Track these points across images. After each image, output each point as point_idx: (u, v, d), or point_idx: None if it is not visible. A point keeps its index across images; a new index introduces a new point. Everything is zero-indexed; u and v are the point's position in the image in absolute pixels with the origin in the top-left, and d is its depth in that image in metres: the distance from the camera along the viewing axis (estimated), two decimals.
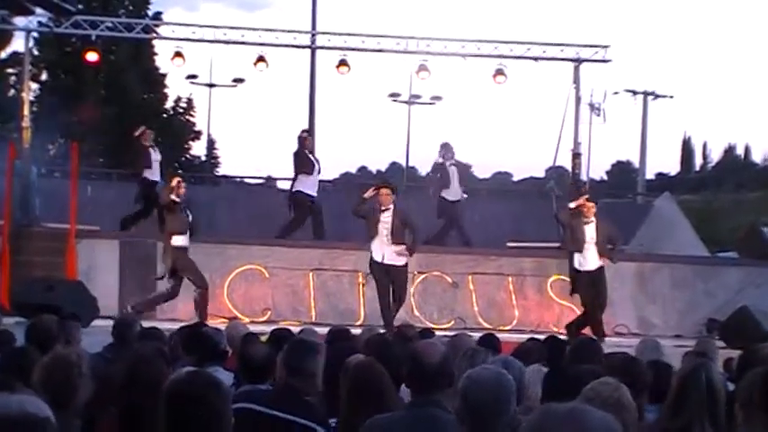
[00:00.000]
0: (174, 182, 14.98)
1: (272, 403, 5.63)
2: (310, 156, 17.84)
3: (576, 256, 15.04)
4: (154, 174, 17.94)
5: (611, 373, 5.89)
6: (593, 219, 15.02)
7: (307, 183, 17.62)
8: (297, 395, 5.78)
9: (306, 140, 18.03)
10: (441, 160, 18.39)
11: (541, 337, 9.05)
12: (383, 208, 14.73)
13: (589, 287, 14.96)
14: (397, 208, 14.83)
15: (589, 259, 14.95)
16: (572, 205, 15.37)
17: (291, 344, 6.21)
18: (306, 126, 29.27)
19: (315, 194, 17.81)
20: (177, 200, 14.81)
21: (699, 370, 5.20)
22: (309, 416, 5.60)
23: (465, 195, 18.44)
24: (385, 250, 14.70)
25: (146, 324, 9.44)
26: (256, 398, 5.73)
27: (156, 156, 18.24)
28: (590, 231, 14.96)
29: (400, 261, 14.80)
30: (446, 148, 18.47)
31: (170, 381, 4.02)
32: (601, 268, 15.00)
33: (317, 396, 6.08)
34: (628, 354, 7.17)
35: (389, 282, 14.79)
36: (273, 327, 11.19)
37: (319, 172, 17.97)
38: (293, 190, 17.71)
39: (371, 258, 14.83)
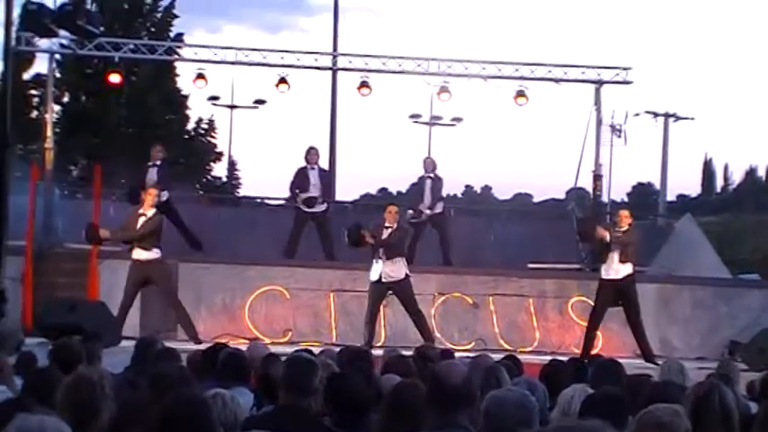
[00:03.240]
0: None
1: (281, 426, 5.59)
2: (307, 171, 17.90)
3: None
4: None
5: (633, 395, 5.89)
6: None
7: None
8: (305, 414, 5.77)
9: (307, 155, 18.10)
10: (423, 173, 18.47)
11: (563, 358, 9.04)
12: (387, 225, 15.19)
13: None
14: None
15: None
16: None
17: (290, 362, 6.17)
18: (327, 147, 29.45)
19: (314, 210, 17.90)
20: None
21: (712, 392, 5.18)
22: None
23: (436, 210, 18.27)
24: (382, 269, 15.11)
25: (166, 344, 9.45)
26: (265, 422, 5.68)
27: (150, 175, 17.86)
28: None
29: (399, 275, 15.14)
30: (424, 163, 18.60)
31: (160, 404, 4.07)
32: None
33: (321, 415, 6.07)
34: (649, 376, 7.16)
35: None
36: (294, 347, 11.22)
37: (321, 187, 17.99)
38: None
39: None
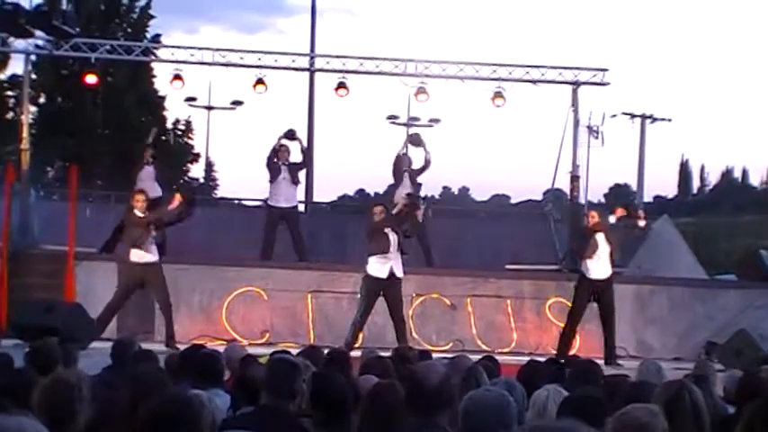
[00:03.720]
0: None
1: (259, 426, 5.57)
2: (279, 166, 17.77)
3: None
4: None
5: (610, 395, 5.89)
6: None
7: (271, 192, 17.84)
8: (283, 415, 5.75)
9: (278, 152, 17.89)
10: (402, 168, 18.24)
11: (541, 359, 9.05)
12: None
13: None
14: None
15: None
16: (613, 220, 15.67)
17: (274, 364, 6.15)
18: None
19: (285, 206, 17.81)
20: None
21: (683, 391, 5.19)
22: None
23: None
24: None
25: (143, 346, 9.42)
26: (243, 423, 5.66)
27: (144, 173, 17.75)
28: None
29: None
30: (401, 159, 18.34)
31: (145, 405, 4.05)
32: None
33: (303, 416, 6.06)
34: (626, 376, 7.17)
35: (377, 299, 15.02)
36: (272, 349, 11.21)
37: (290, 179, 17.89)
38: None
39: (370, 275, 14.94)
